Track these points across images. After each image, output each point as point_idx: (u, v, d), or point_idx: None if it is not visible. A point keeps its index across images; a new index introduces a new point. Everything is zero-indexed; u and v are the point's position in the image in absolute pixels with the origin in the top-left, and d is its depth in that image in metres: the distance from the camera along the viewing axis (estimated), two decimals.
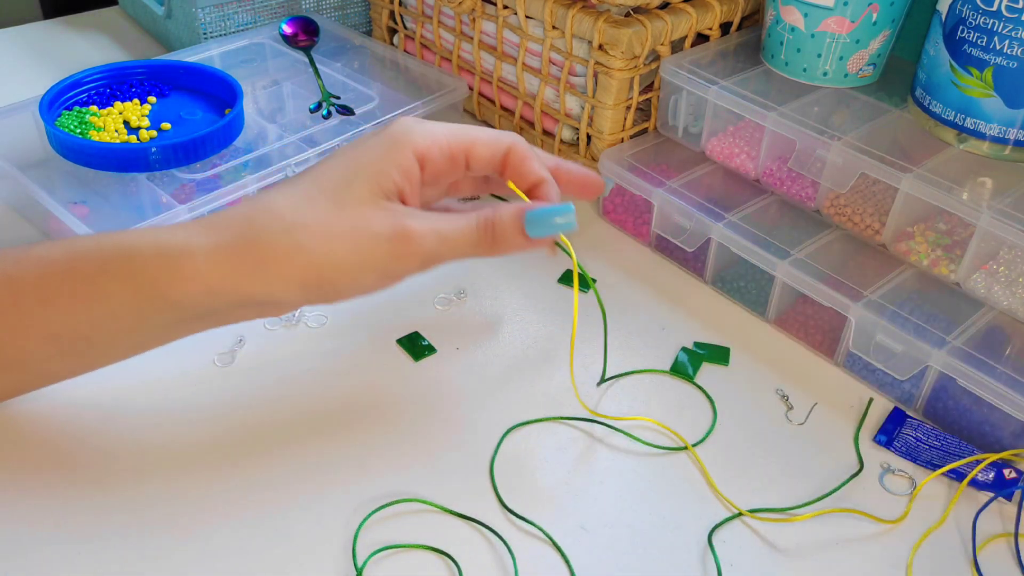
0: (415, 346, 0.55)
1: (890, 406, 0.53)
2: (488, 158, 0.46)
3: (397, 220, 0.42)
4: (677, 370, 0.55)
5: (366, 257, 0.42)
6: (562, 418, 0.51)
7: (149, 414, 0.50)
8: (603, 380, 0.53)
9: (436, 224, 0.43)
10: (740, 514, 0.46)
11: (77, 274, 0.42)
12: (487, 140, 0.45)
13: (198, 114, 0.68)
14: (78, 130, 0.63)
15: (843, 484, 0.48)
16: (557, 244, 0.45)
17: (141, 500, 0.45)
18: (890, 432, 0.51)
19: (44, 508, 0.44)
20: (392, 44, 0.86)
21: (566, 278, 0.62)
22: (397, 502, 0.45)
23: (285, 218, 0.41)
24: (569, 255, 0.43)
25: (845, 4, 0.59)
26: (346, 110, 0.70)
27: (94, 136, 0.63)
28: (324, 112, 0.69)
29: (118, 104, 0.67)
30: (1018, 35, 0.51)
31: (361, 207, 0.42)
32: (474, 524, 0.45)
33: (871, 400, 0.54)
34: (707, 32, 0.69)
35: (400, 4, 0.82)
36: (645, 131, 0.71)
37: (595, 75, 0.66)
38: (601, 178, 0.49)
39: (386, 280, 0.43)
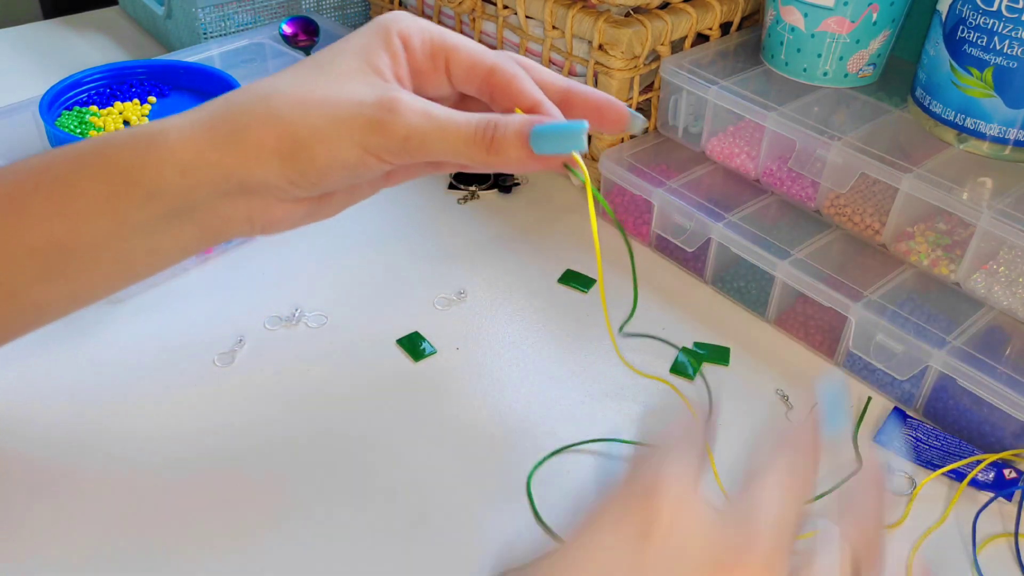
0: (415, 346, 0.55)
1: (890, 406, 0.53)
2: (468, 67, 0.41)
3: (384, 89, 0.39)
4: (677, 370, 0.55)
5: (344, 123, 0.38)
6: (577, 444, 0.51)
7: (149, 414, 0.50)
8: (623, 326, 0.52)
9: (429, 105, 0.39)
10: None
11: (51, 175, 0.39)
12: (471, 49, 0.41)
13: None
14: (78, 130, 0.63)
15: (840, 483, 0.48)
16: (566, 167, 0.40)
17: (139, 500, 0.45)
18: (890, 432, 0.51)
19: (42, 509, 0.44)
20: None
21: (566, 278, 0.62)
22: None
23: (263, 89, 0.39)
24: (578, 175, 0.39)
25: (845, 4, 0.59)
26: None
27: (94, 136, 0.63)
28: None
29: (118, 104, 0.67)
30: (1018, 35, 0.51)
31: (345, 76, 0.39)
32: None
33: (869, 399, 0.54)
34: (707, 32, 0.69)
35: (400, 4, 0.82)
36: (645, 131, 0.71)
37: (595, 75, 0.66)
38: (625, 108, 0.42)
39: (366, 156, 0.39)
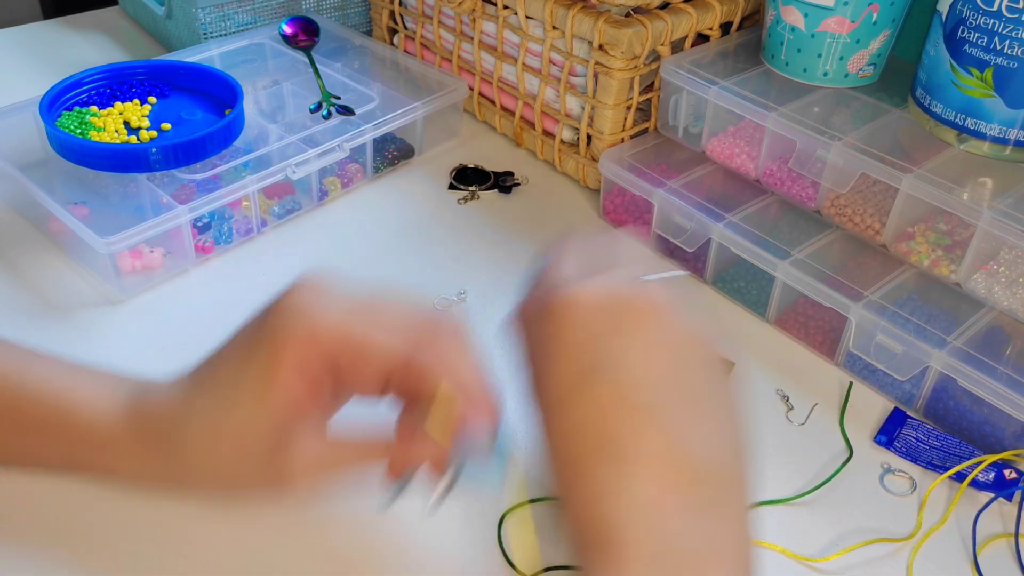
0: None
1: (890, 406, 0.53)
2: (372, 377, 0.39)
3: (274, 468, 0.39)
4: None
5: (247, 482, 0.41)
6: None
7: None
8: None
9: (322, 463, 0.40)
10: None
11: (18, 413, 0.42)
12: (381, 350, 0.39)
13: (198, 114, 0.68)
14: (78, 130, 0.63)
15: (836, 472, 0.48)
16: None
17: (139, 500, 0.45)
18: (890, 432, 0.51)
19: (42, 509, 0.44)
20: (392, 44, 0.86)
21: None
22: None
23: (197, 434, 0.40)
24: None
25: (845, 4, 0.59)
26: (346, 110, 0.70)
27: (94, 136, 0.63)
28: (324, 112, 0.69)
29: (118, 104, 0.67)
30: (1018, 35, 0.51)
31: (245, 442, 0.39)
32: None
33: (851, 384, 0.54)
34: (707, 32, 0.69)
35: (400, 4, 0.82)
36: (645, 131, 0.71)
37: (595, 75, 0.66)
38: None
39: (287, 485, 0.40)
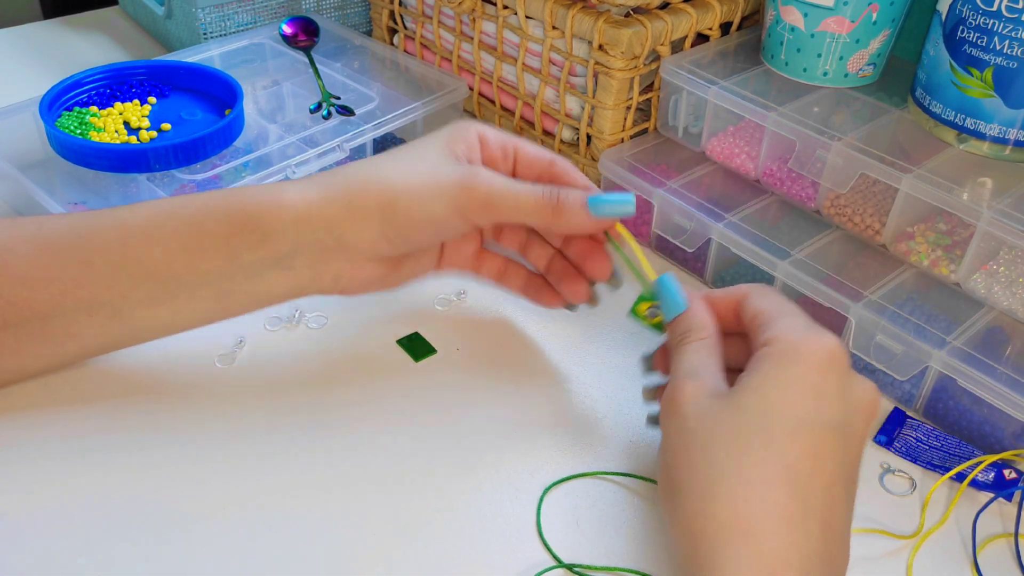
0: (415, 346, 0.55)
1: (890, 406, 0.53)
2: (531, 159, 0.50)
3: (467, 167, 0.47)
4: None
5: (437, 187, 0.46)
6: (596, 473, 0.51)
7: (149, 414, 0.50)
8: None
9: (505, 177, 0.47)
10: None
11: (181, 213, 0.46)
12: (533, 147, 0.50)
13: (198, 114, 0.68)
14: (78, 131, 0.63)
15: None
16: (610, 240, 0.50)
17: (139, 500, 0.45)
18: (890, 432, 0.51)
19: (41, 509, 0.44)
20: (392, 44, 0.86)
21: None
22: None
23: (367, 165, 0.48)
24: (623, 245, 0.49)
25: (845, 4, 0.59)
26: (346, 110, 0.70)
27: (94, 137, 0.63)
28: (324, 112, 0.69)
29: (118, 104, 0.67)
30: (1018, 35, 0.51)
31: (434, 159, 0.47)
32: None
33: None
34: (707, 32, 0.69)
35: (400, 4, 0.82)
36: (645, 131, 0.71)
37: (595, 75, 0.66)
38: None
39: (452, 215, 0.47)
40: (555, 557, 0.43)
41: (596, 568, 0.43)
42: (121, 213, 0.47)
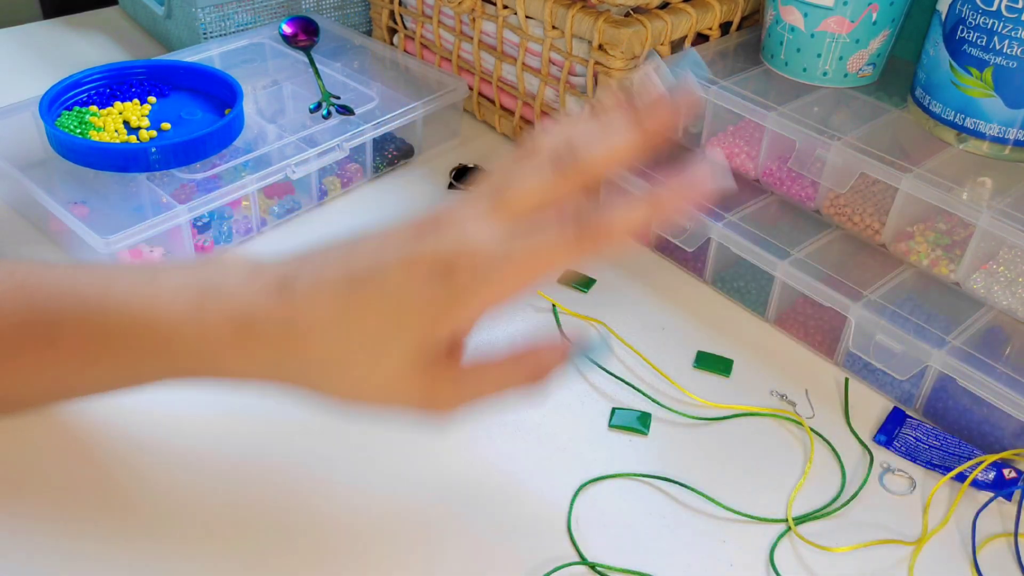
0: None
1: (890, 406, 0.53)
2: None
3: (427, 398, 0.39)
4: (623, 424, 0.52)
5: (395, 407, 0.39)
6: (615, 476, 0.51)
7: (149, 414, 0.50)
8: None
9: (465, 389, 0.39)
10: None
11: (108, 347, 0.40)
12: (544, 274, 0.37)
13: (198, 114, 0.68)
14: (78, 130, 0.63)
15: (866, 479, 0.48)
16: None
17: (139, 500, 0.45)
18: (890, 432, 0.51)
19: (41, 509, 0.44)
20: (392, 44, 0.86)
21: (565, 278, 0.62)
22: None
23: (320, 359, 0.38)
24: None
25: (845, 4, 0.59)
26: (346, 110, 0.70)
27: (94, 136, 0.63)
28: (324, 112, 0.69)
29: (118, 104, 0.67)
30: (1018, 35, 0.51)
31: (396, 367, 0.37)
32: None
33: (847, 380, 0.54)
34: (707, 32, 0.69)
35: (400, 4, 0.82)
36: None
37: (595, 75, 0.66)
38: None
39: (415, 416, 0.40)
40: (580, 554, 0.43)
41: (617, 569, 0.43)
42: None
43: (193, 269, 0.41)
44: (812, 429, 0.51)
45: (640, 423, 0.51)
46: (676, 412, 0.52)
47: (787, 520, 0.46)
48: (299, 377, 0.39)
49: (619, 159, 0.37)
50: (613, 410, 0.52)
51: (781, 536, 0.45)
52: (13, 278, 0.41)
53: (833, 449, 0.50)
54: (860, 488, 0.48)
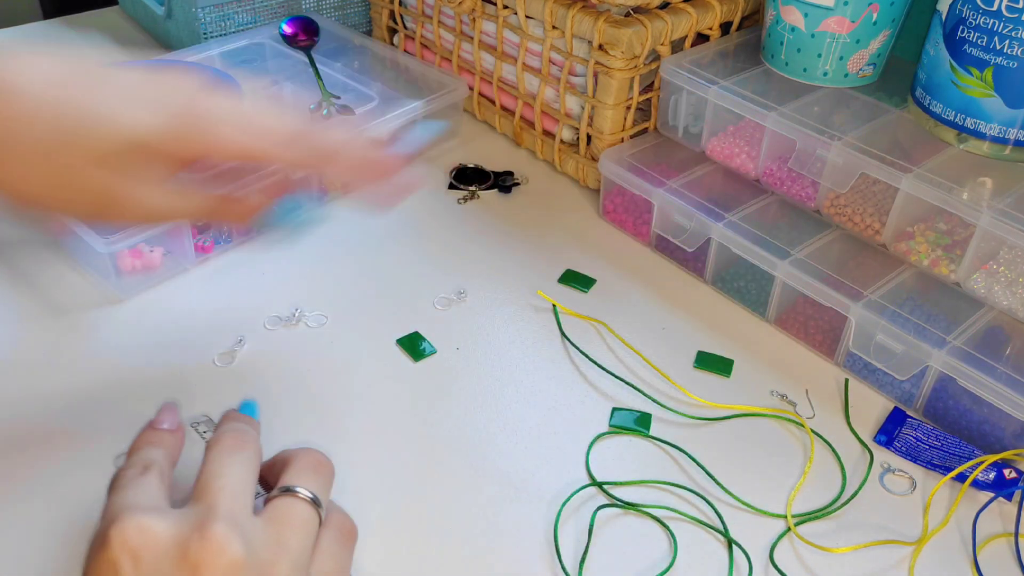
0: (415, 346, 0.55)
1: (890, 406, 0.53)
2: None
3: (111, 184, 0.39)
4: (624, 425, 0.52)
5: (69, 190, 0.40)
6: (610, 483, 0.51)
7: (149, 414, 0.50)
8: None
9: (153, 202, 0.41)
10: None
11: None
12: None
13: None
14: None
15: (865, 479, 0.48)
16: None
17: None
18: (890, 432, 0.51)
19: (41, 508, 0.44)
20: (392, 44, 0.86)
21: (566, 278, 0.62)
22: None
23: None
24: None
25: (845, 4, 0.59)
26: (346, 110, 0.70)
27: None
28: (324, 112, 0.69)
29: None
30: (1018, 35, 0.51)
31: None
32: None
33: (847, 381, 0.54)
34: (707, 32, 0.69)
35: (400, 4, 0.82)
36: (645, 131, 0.71)
37: (595, 75, 0.66)
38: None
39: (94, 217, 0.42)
40: (589, 475, 0.43)
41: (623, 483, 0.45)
42: None
43: None
44: (812, 430, 0.51)
45: (640, 423, 0.51)
46: (676, 412, 0.52)
47: (787, 520, 0.46)
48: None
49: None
50: (613, 410, 0.52)
51: (781, 536, 0.45)
52: None
53: (833, 449, 0.50)
54: (860, 488, 0.48)
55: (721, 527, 0.45)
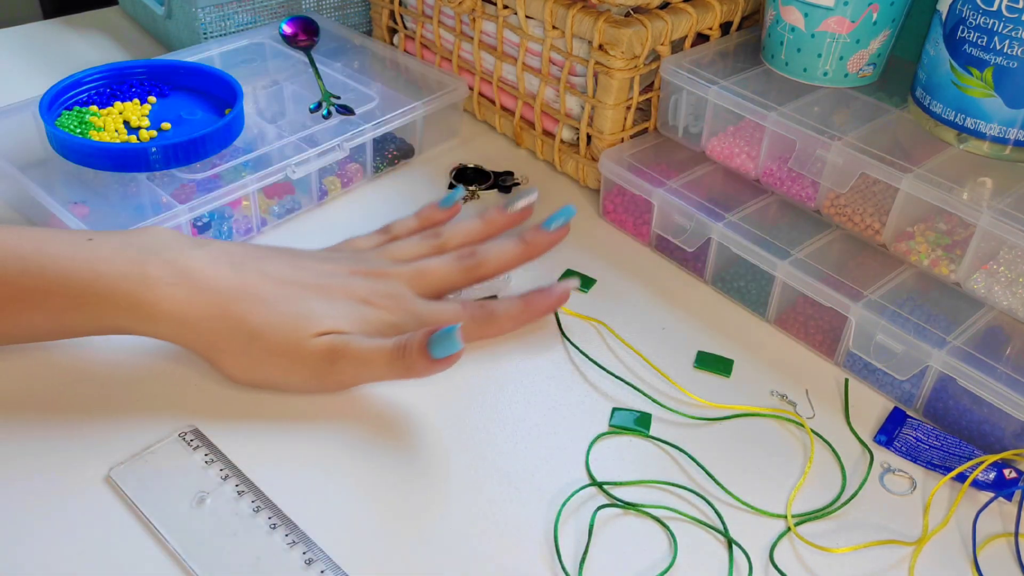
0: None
1: (890, 406, 0.53)
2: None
3: (327, 341, 0.48)
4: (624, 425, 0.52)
5: (298, 360, 0.48)
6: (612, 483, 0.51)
7: (150, 414, 0.50)
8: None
9: (360, 344, 0.48)
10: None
11: (46, 300, 0.46)
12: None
13: (198, 114, 0.68)
14: (78, 130, 0.63)
15: (865, 479, 0.48)
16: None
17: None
18: (890, 432, 0.51)
19: (41, 508, 0.44)
20: (392, 44, 0.86)
21: (565, 278, 0.62)
22: None
23: (248, 325, 0.48)
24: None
25: (845, 4, 0.59)
26: (346, 110, 0.70)
27: (94, 136, 0.63)
28: (324, 112, 0.69)
29: (118, 104, 0.67)
30: (1018, 35, 0.51)
31: (300, 383, 0.50)
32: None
33: (847, 380, 0.54)
34: (707, 32, 0.69)
35: (400, 4, 0.82)
36: (645, 131, 0.71)
37: (595, 75, 0.66)
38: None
39: (313, 384, 0.50)
40: (589, 475, 0.43)
41: (623, 483, 0.47)
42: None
43: (128, 235, 0.49)
44: (812, 430, 0.51)
45: (640, 423, 0.51)
46: (676, 412, 0.52)
47: (787, 520, 0.46)
48: (226, 341, 0.48)
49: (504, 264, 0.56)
50: (613, 410, 0.52)
51: (781, 536, 0.45)
52: None
53: (833, 449, 0.50)
54: (860, 488, 0.48)
55: (721, 527, 0.45)
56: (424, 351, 0.46)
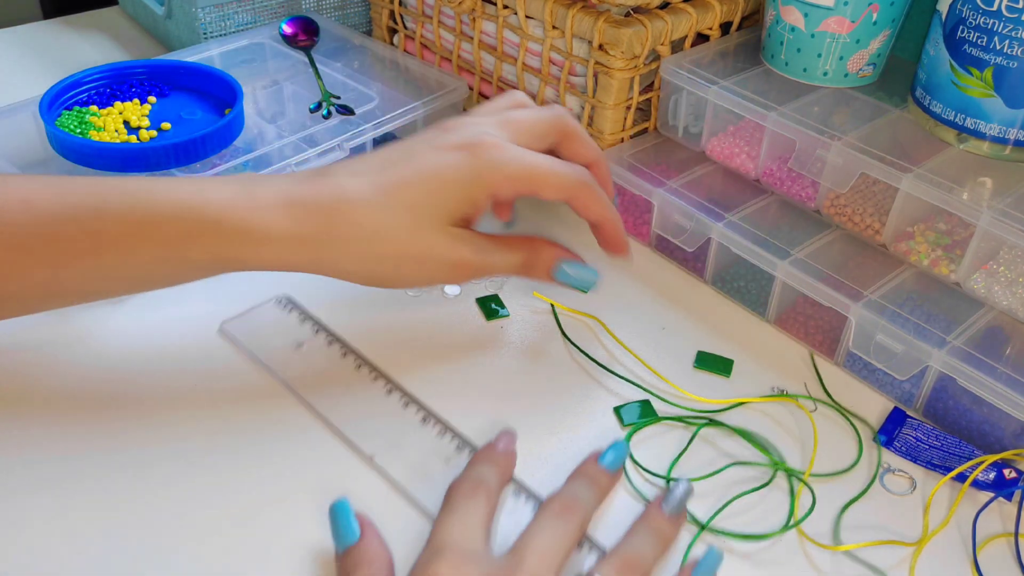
0: (488, 307, 0.58)
1: (890, 406, 0.53)
2: (552, 199, 0.50)
3: (458, 252, 0.48)
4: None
5: (426, 275, 0.49)
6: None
7: (150, 414, 0.50)
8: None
9: (487, 256, 0.49)
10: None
11: (160, 233, 0.45)
12: (555, 185, 0.49)
13: (198, 114, 0.68)
14: (78, 130, 0.63)
15: (872, 480, 0.48)
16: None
17: (140, 499, 0.45)
18: (890, 432, 0.51)
19: (42, 507, 0.44)
20: (392, 44, 0.86)
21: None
22: None
23: (365, 227, 0.46)
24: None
25: (845, 4, 0.59)
26: (346, 110, 0.70)
27: (94, 136, 0.63)
28: (324, 112, 0.69)
29: (118, 104, 0.67)
30: (1018, 35, 0.51)
31: (433, 234, 0.47)
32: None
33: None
34: (707, 32, 0.69)
35: (400, 4, 0.82)
36: (645, 131, 0.71)
37: (595, 75, 0.66)
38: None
39: (436, 279, 0.50)
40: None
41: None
42: (85, 217, 0.45)
43: (230, 176, 0.48)
44: (820, 400, 0.52)
45: (646, 413, 0.51)
46: (678, 406, 0.52)
47: (787, 519, 0.46)
48: (342, 253, 0.46)
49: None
50: (615, 410, 0.52)
51: (782, 531, 0.45)
52: (51, 185, 0.45)
53: (847, 417, 0.50)
54: (868, 487, 0.48)
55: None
56: (548, 269, 0.51)
